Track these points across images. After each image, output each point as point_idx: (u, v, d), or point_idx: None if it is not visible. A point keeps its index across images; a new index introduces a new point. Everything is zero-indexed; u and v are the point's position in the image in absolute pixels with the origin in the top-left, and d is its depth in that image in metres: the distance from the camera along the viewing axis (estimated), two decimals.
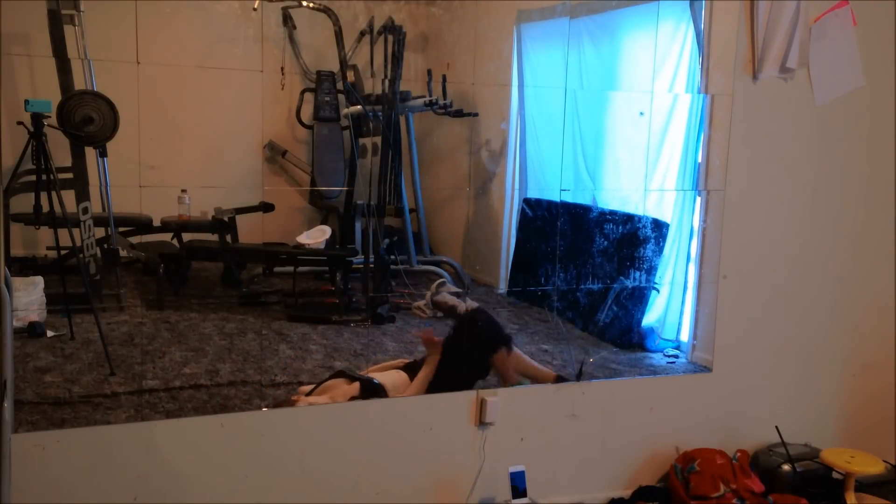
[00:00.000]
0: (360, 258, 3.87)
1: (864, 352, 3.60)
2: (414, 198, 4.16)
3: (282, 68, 3.91)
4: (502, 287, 4.06)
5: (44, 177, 2.80)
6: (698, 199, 3.36)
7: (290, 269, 3.84)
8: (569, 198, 3.67)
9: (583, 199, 3.76)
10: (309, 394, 2.88)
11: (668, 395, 3.25)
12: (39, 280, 3.09)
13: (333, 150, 4.24)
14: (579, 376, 3.13)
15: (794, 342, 3.46)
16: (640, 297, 3.57)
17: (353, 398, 2.83)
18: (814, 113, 3.33)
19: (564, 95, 3.28)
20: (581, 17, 3.62)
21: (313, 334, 3.43)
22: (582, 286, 3.49)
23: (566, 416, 3.08)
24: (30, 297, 3.04)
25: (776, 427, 3.32)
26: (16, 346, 2.49)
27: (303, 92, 4.10)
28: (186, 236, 3.68)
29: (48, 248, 3.24)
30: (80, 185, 3.03)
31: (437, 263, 4.11)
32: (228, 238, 3.72)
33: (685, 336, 3.50)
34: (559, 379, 3.11)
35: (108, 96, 2.85)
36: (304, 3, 3.93)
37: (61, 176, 2.90)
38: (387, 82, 3.83)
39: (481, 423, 2.91)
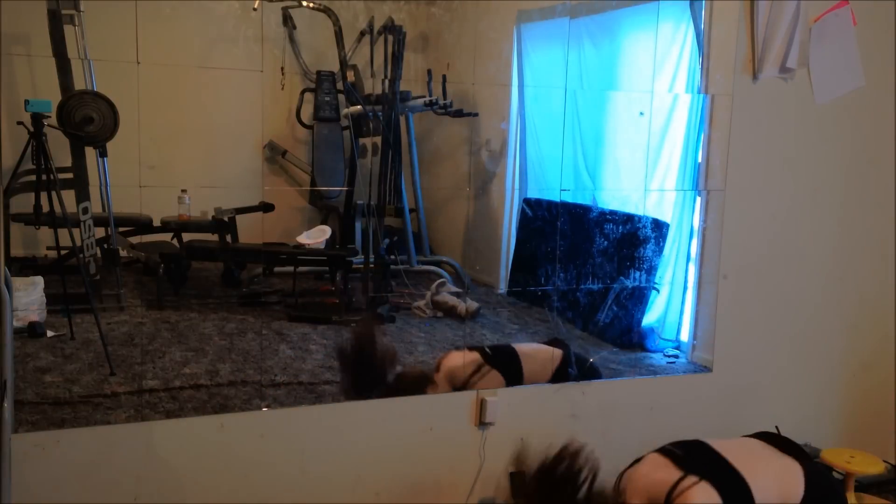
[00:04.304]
0: (360, 258, 3.87)
1: (864, 351, 3.60)
2: (414, 198, 4.16)
3: (282, 68, 3.91)
4: (502, 287, 4.06)
5: (44, 177, 2.80)
6: (698, 199, 3.36)
7: (290, 269, 3.84)
8: (569, 198, 3.67)
9: (583, 199, 3.76)
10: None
11: (668, 395, 3.25)
12: (39, 280, 3.09)
13: (333, 150, 4.24)
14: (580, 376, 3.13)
15: (794, 342, 3.46)
16: (640, 297, 3.57)
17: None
18: (814, 113, 3.33)
19: (564, 95, 3.28)
20: (581, 17, 3.62)
21: (313, 334, 3.42)
22: (582, 286, 3.49)
23: (566, 416, 3.08)
24: (30, 297, 3.04)
25: (776, 427, 3.32)
26: (16, 346, 2.49)
27: (303, 92, 4.11)
28: (186, 236, 3.68)
29: (48, 248, 3.24)
30: (80, 185, 3.03)
31: (437, 263, 4.11)
32: (228, 238, 3.72)
33: (685, 336, 3.50)
34: None
35: (108, 96, 2.85)
36: (304, 3, 3.93)
37: (61, 176, 2.90)
38: (387, 82, 3.83)
39: (481, 423, 2.91)
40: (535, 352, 3.16)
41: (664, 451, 2.48)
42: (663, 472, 2.37)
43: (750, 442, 2.65)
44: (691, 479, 2.31)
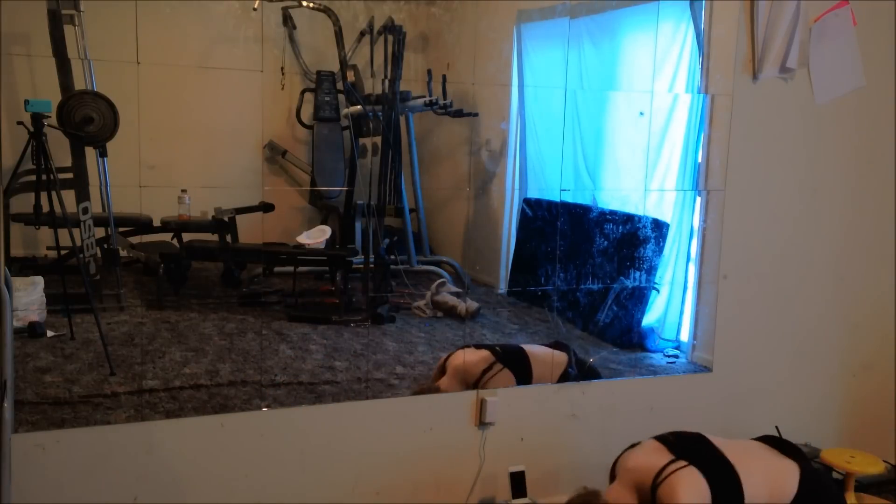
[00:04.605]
0: (360, 258, 3.87)
1: (864, 352, 3.60)
2: (414, 198, 4.15)
3: (282, 68, 3.91)
4: (502, 287, 4.06)
5: (44, 177, 2.80)
6: (698, 199, 3.36)
7: (290, 269, 3.83)
8: (569, 198, 3.67)
9: (583, 199, 3.76)
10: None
11: (668, 395, 3.25)
12: (39, 280, 3.08)
13: (333, 150, 4.24)
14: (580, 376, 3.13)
15: (795, 342, 3.46)
16: (640, 297, 3.57)
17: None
18: (814, 113, 3.33)
19: (564, 95, 3.27)
20: (581, 17, 3.62)
21: (313, 334, 3.42)
22: (582, 286, 3.49)
23: (566, 416, 3.08)
24: (30, 297, 3.03)
25: (776, 427, 3.32)
26: (16, 346, 2.49)
27: (303, 92, 4.10)
28: (186, 236, 3.68)
29: (48, 248, 3.24)
30: (80, 185, 3.03)
31: (437, 263, 4.11)
32: (228, 238, 3.71)
33: (685, 336, 3.50)
34: None
35: (108, 96, 2.85)
36: (304, 3, 3.93)
37: (61, 176, 2.90)
38: (387, 82, 3.83)
39: (481, 423, 2.91)
40: (541, 354, 3.17)
41: (660, 437, 2.50)
42: (655, 457, 2.39)
43: (750, 442, 2.66)
44: (680, 463, 2.32)
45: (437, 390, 2.99)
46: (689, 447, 2.42)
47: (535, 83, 4.02)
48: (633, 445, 2.55)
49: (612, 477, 2.51)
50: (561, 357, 3.13)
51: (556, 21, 3.74)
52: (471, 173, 4.13)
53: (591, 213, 3.66)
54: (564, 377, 3.10)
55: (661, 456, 2.39)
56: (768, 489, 2.38)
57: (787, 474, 2.43)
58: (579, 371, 3.14)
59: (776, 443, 2.62)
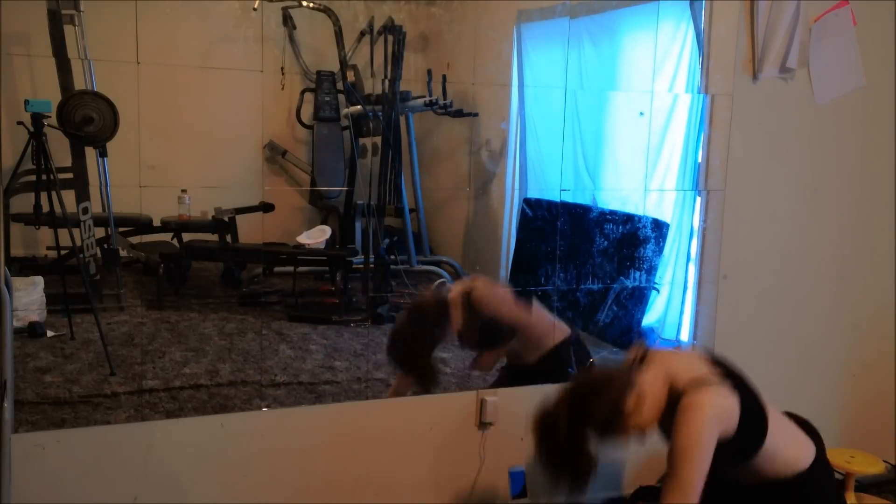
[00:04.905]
0: (360, 258, 3.87)
1: (864, 352, 3.60)
2: (414, 198, 4.16)
3: (282, 68, 3.92)
4: None
5: (44, 177, 2.81)
6: (698, 199, 3.36)
7: (290, 269, 3.84)
8: (569, 198, 3.67)
9: (583, 199, 3.76)
10: None
11: None
12: (39, 280, 3.09)
13: (333, 150, 4.24)
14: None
15: (794, 342, 3.46)
16: (640, 297, 3.57)
17: None
18: (814, 113, 3.33)
19: (564, 95, 3.28)
20: (581, 17, 3.62)
21: (313, 334, 3.43)
22: (582, 286, 3.49)
23: None
24: (30, 297, 3.04)
25: None
26: (16, 346, 2.49)
27: (303, 92, 4.11)
28: (186, 236, 3.68)
29: (48, 248, 3.25)
30: (80, 185, 3.03)
31: (437, 263, 4.11)
32: (228, 238, 3.72)
33: (685, 336, 3.49)
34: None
35: (108, 96, 2.85)
36: (304, 3, 3.93)
37: (61, 176, 2.90)
38: (387, 82, 3.84)
39: (481, 423, 2.91)
40: (548, 314, 3.13)
41: (708, 356, 2.40)
42: (700, 366, 2.29)
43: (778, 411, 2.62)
44: (727, 383, 2.23)
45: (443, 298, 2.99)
46: (733, 376, 2.34)
47: (535, 83, 4.03)
48: (672, 347, 2.46)
49: (639, 360, 2.35)
50: (564, 326, 3.11)
51: (556, 21, 3.74)
52: (471, 173, 4.13)
53: (591, 213, 3.66)
54: (564, 346, 3.05)
55: (707, 368, 2.29)
56: (783, 452, 2.34)
57: (804, 450, 2.40)
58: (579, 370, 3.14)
59: (800, 422, 2.58)
